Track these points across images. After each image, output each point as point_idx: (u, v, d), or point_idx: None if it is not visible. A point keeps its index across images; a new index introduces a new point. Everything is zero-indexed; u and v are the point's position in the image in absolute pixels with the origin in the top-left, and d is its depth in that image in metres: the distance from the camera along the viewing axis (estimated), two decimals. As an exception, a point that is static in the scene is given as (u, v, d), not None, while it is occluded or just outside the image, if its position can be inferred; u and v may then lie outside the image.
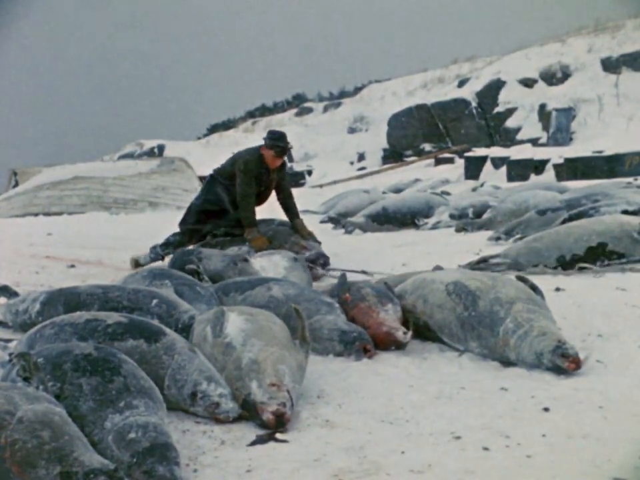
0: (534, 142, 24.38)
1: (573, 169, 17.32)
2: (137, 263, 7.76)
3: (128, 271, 5.71)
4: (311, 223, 8.61)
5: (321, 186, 26.35)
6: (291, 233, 7.53)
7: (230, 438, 3.04)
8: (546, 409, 3.23)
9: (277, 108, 47.58)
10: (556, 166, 18.03)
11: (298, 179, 26.31)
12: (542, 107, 26.57)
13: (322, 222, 12.25)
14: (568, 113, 25.03)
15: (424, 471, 2.65)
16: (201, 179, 24.19)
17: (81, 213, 18.13)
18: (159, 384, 3.13)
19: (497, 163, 19.94)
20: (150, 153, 35.79)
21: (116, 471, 2.35)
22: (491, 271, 6.17)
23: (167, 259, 7.08)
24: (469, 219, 10.53)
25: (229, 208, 7.63)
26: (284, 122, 38.90)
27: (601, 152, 17.63)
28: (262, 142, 7.55)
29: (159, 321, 3.99)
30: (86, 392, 2.78)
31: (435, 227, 10.90)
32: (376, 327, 4.29)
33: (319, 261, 6.98)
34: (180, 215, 8.10)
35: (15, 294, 5.28)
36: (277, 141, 7.39)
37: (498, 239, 8.43)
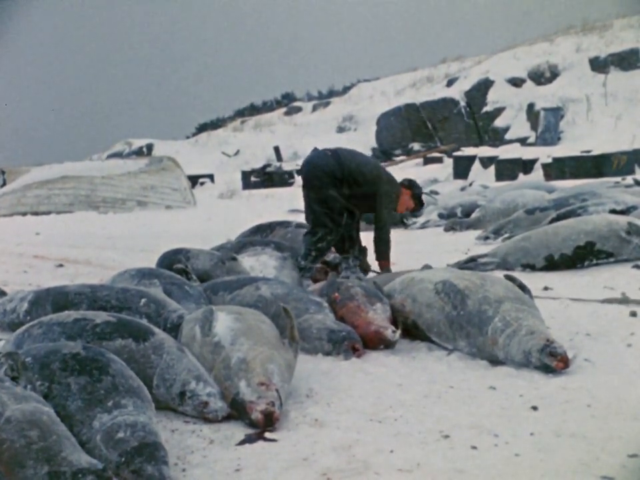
0: (522, 141, 24.37)
1: (561, 168, 17.38)
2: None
3: (116, 270, 5.69)
4: (300, 222, 8.58)
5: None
6: None
7: (219, 437, 3.03)
8: (534, 408, 3.24)
9: (266, 107, 47.56)
10: (544, 165, 18.08)
11: (286, 178, 26.22)
12: (530, 106, 26.58)
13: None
14: (556, 113, 25.06)
15: (412, 470, 2.65)
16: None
17: (69, 212, 18.11)
18: (147, 383, 3.12)
19: (486, 162, 19.95)
20: (139, 152, 35.67)
21: (104, 471, 2.35)
22: (479, 270, 6.19)
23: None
24: (457, 218, 10.57)
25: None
26: (273, 121, 38.85)
27: (588, 152, 17.69)
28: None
29: (148, 320, 3.99)
30: (74, 391, 2.78)
31: (423, 226, 10.94)
32: (365, 326, 4.30)
33: (342, 265, 6.85)
34: (168, 214, 8.00)
35: (3, 293, 5.26)
36: (421, 198, 6.86)
37: (486, 238, 8.47)
